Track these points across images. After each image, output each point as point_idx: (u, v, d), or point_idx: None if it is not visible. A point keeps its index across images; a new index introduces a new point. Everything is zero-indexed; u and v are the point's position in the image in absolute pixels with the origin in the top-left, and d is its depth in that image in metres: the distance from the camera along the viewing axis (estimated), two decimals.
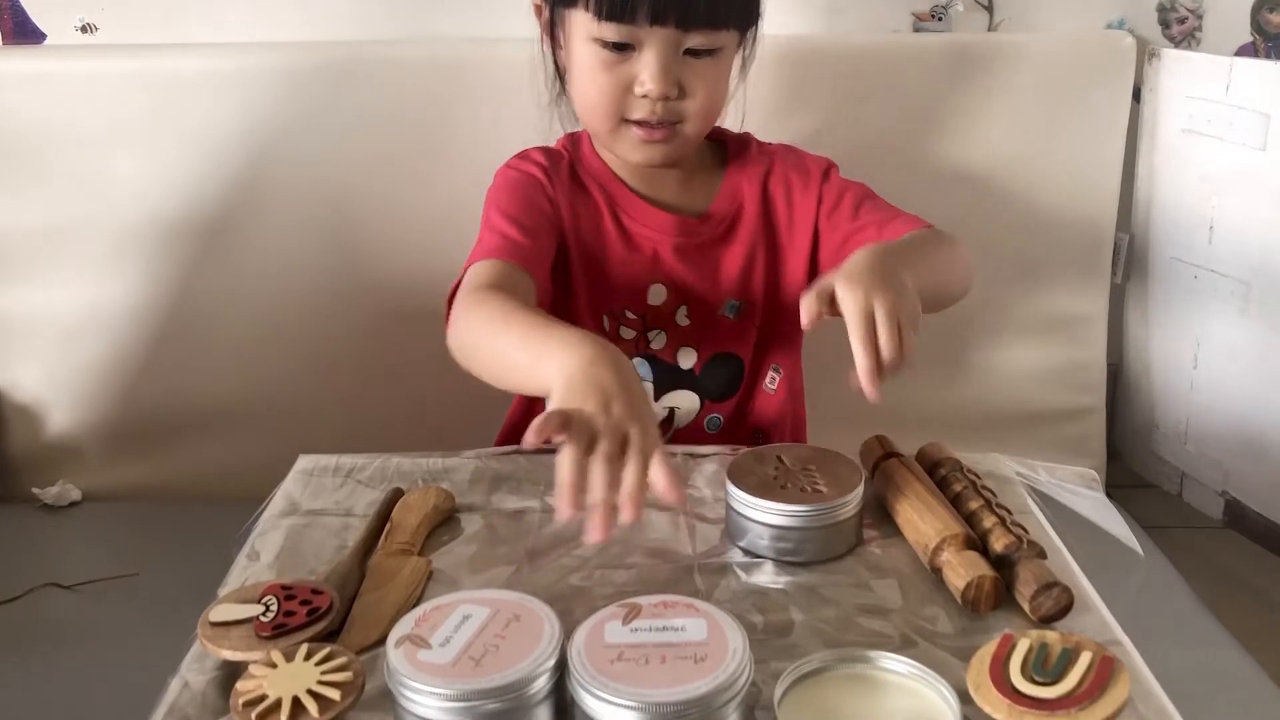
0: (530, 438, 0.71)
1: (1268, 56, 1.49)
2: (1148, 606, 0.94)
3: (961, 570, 0.77)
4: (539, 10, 1.06)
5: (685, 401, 1.12)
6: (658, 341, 1.10)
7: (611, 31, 0.97)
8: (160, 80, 1.39)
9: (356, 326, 1.43)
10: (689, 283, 1.09)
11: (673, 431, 1.12)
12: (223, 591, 0.81)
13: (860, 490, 0.83)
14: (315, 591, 0.76)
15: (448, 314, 0.97)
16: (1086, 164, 1.48)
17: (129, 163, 1.39)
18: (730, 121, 1.15)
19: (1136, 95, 1.49)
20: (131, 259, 1.41)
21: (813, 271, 1.11)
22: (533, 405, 1.16)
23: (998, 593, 0.76)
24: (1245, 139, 1.39)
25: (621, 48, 0.98)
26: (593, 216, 1.09)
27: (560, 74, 1.08)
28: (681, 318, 1.11)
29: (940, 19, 1.49)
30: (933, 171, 1.46)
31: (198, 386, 1.44)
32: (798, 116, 1.40)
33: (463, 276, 0.99)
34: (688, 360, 1.12)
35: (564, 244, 1.07)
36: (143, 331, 1.42)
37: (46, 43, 1.44)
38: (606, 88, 1.00)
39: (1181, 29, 1.51)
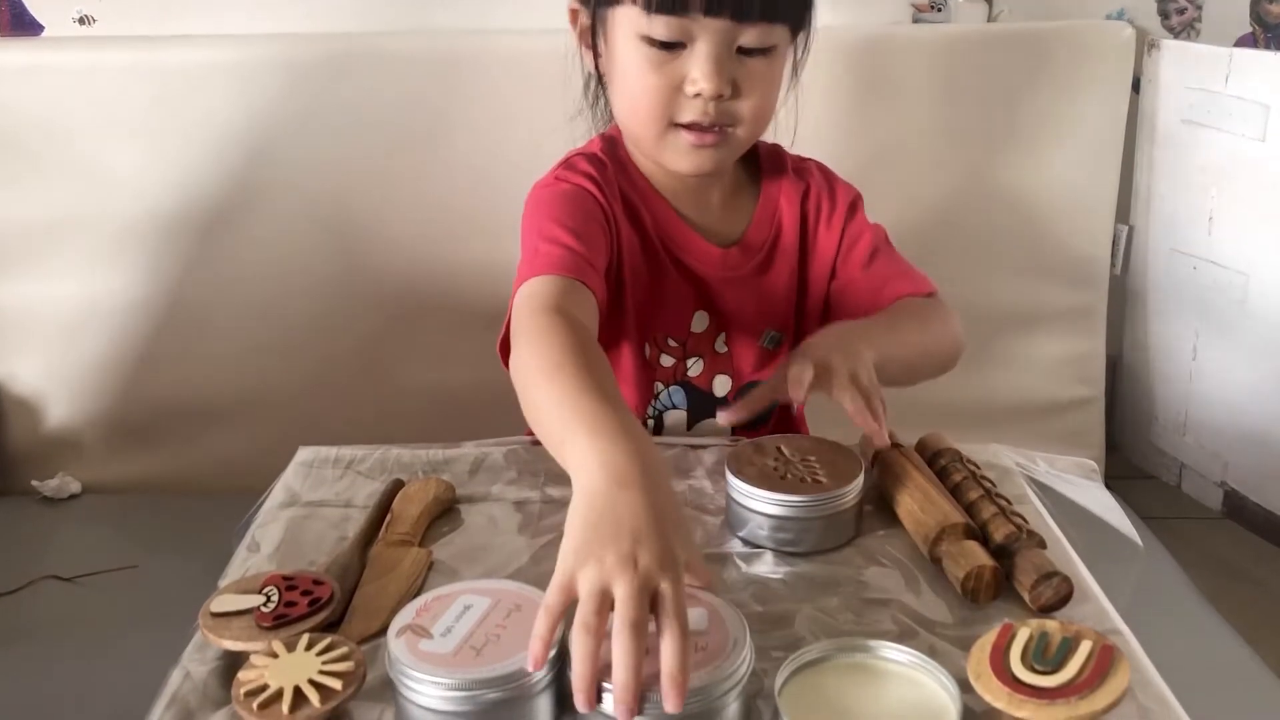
0: (536, 650, 0.61)
1: (1267, 47, 1.49)
2: (1147, 596, 0.93)
3: (961, 560, 0.77)
4: (574, 15, 1.00)
5: (717, 432, 1.08)
6: (695, 369, 1.07)
7: (661, 27, 0.90)
8: (159, 73, 1.39)
9: (355, 320, 1.43)
10: (731, 311, 1.05)
11: None
12: (223, 582, 0.81)
13: (860, 481, 0.83)
14: (316, 582, 0.75)
15: (505, 332, 0.90)
16: (1086, 155, 1.48)
17: (127, 156, 1.39)
18: (784, 127, 1.08)
19: (1136, 86, 1.49)
20: (130, 252, 1.41)
21: (826, 304, 1.08)
22: None
23: (998, 582, 0.76)
24: (1245, 130, 1.39)
25: (671, 46, 0.92)
26: (641, 238, 1.03)
27: (601, 80, 1.02)
28: (720, 345, 1.08)
29: (940, 10, 1.49)
30: (932, 163, 1.46)
31: (197, 379, 1.44)
32: (794, 109, 1.39)
33: (515, 295, 0.90)
34: (723, 388, 1.09)
35: (616, 263, 1.00)
36: (142, 324, 1.42)
37: (44, 34, 1.44)
38: (655, 88, 0.93)
39: (1181, 19, 1.51)
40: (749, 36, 0.91)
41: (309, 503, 0.91)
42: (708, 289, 1.05)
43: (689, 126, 0.94)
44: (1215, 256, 1.46)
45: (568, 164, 1.03)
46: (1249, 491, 1.49)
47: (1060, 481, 0.99)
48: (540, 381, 0.78)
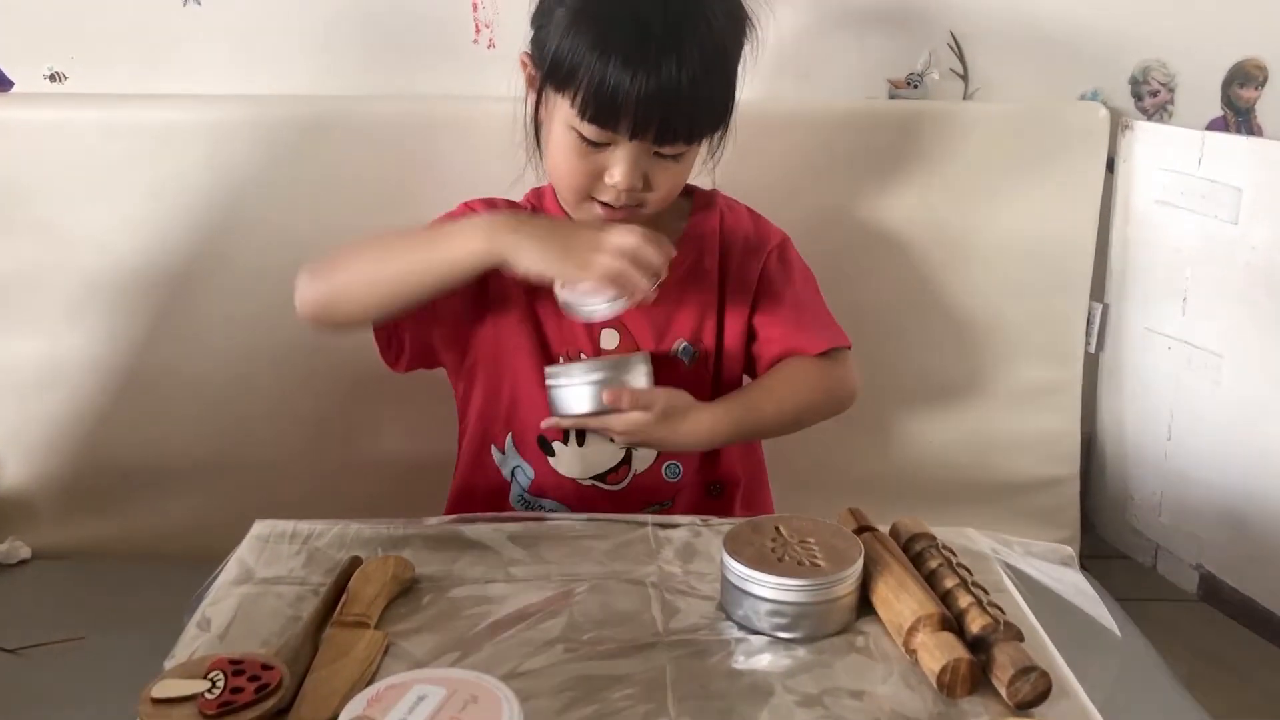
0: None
1: (1238, 131, 1.50)
2: (1126, 689, 0.91)
3: (937, 653, 0.75)
4: (525, 64, 1.08)
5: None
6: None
7: (591, 132, 1.00)
8: (129, 131, 1.37)
9: (320, 387, 1.40)
10: (641, 326, 1.11)
11: (631, 476, 1.11)
12: (169, 664, 0.78)
13: (859, 565, 0.81)
14: (265, 667, 0.72)
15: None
16: (1061, 233, 1.48)
17: (94, 214, 1.36)
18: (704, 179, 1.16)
19: (1110, 166, 1.49)
20: (93, 312, 1.38)
21: (750, 335, 1.14)
22: (477, 465, 1.14)
23: (974, 676, 0.74)
24: (1218, 212, 1.40)
25: (597, 144, 1.01)
26: None
27: (538, 129, 1.10)
28: None
29: (916, 86, 1.49)
30: (906, 239, 1.45)
31: (156, 443, 1.40)
32: (767, 181, 1.38)
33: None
34: None
35: (511, 287, 1.08)
36: (102, 385, 1.39)
37: (14, 90, 1.41)
38: (579, 171, 1.03)
39: (1154, 101, 1.52)
40: (666, 148, 1.02)
41: (263, 579, 0.88)
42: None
43: (603, 204, 1.05)
44: (1190, 337, 1.46)
45: (465, 205, 1.14)
46: (1225, 575, 1.48)
47: (1036, 567, 0.98)
48: (380, 251, 1.06)
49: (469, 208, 1.13)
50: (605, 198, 1.04)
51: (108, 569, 1.36)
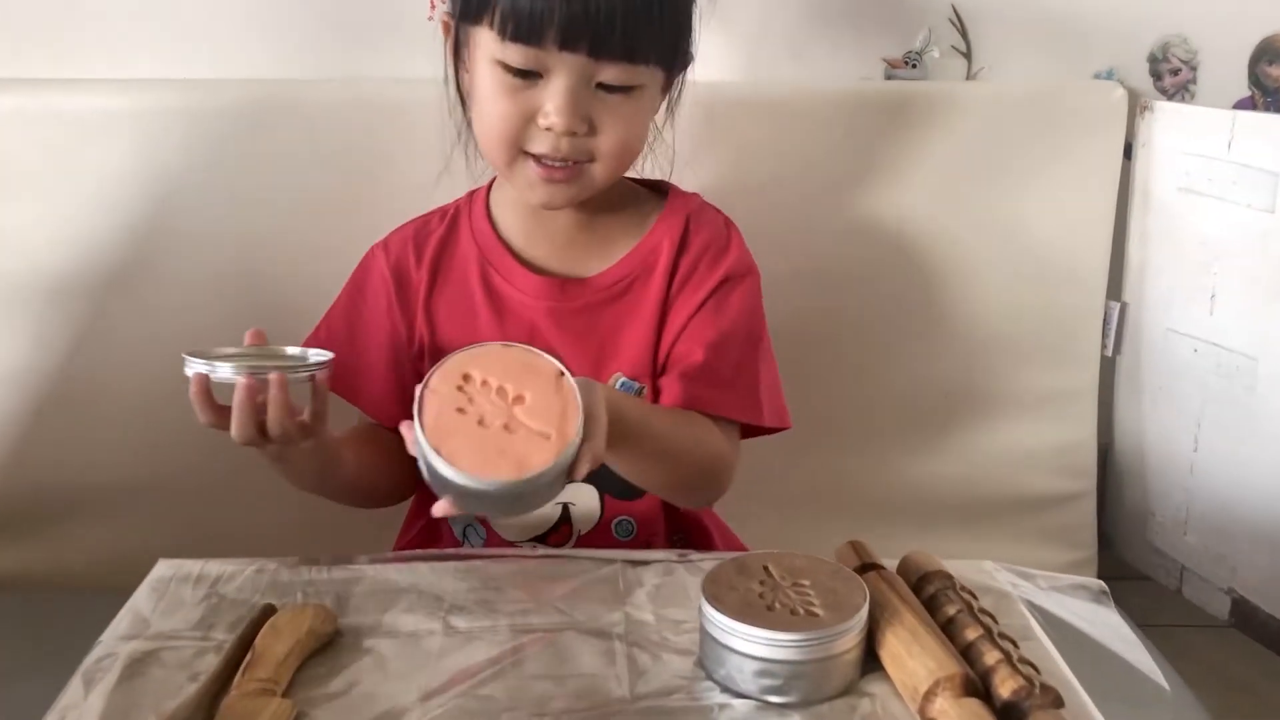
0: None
1: (1267, 111, 1.38)
2: None
3: None
4: (447, 28, 0.96)
5: (582, 498, 0.97)
6: None
7: (516, 55, 0.87)
8: (51, 119, 1.25)
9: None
10: (568, 355, 0.94)
11: (575, 536, 0.98)
12: None
13: (864, 614, 0.68)
14: None
15: None
16: (1074, 226, 1.37)
17: (13, 211, 1.25)
18: (654, 173, 1.05)
19: (1128, 151, 1.38)
20: (12, 318, 1.26)
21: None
22: (431, 523, 1.01)
23: None
24: (1251, 199, 1.27)
25: (527, 74, 0.88)
26: (462, 285, 1.00)
27: (464, 101, 0.98)
28: None
29: (914, 66, 1.37)
30: (904, 233, 1.34)
31: (79, 463, 1.28)
32: (753, 171, 1.28)
33: None
34: None
35: (425, 329, 1.00)
36: (21, 400, 1.27)
37: None
38: (507, 115, 0.89)
39: (1174, 81, 1.40)
40: (609, 74, 0.88)
41: (158, 633, 0.75)
42: (541, 331, 0.97)
43: (539, 159, 0.91)
44: (1219, 338, 1.33)
45: (384, 243, 1.05)
46: (1260, 600, 1.35)
47: (1065, 605, 0.85)
48: None
49: (385, 249, 1.04)
50: (541, 148, 0.89)
51: (24, 600, 1.25)
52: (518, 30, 0.85)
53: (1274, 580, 1.33)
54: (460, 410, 0.70)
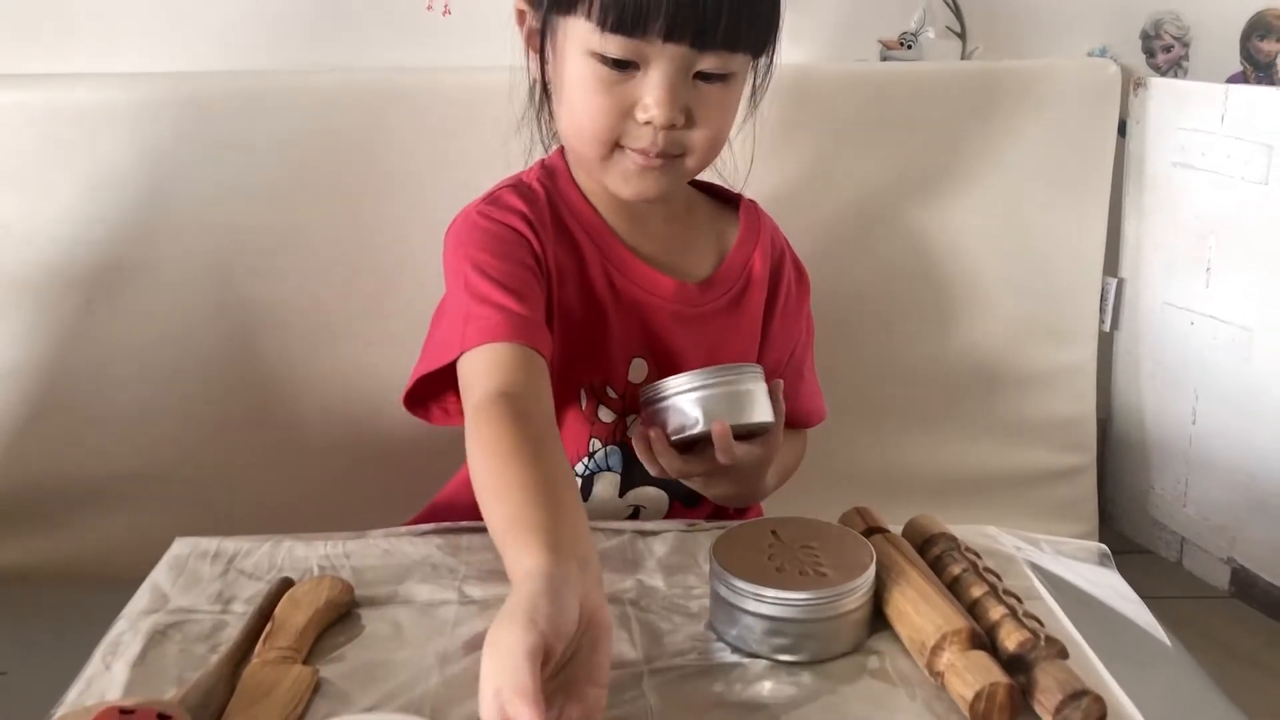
0: None
1: (1259, 85, 1.39)
2: (1179, 707, 0.80)
3: (969, 676, 0.63)
4: (521, 17, 0.92)
5: (653, 501, 0.97)
6: (636, 430, 0.92)
7: (616, 46, 0.83)
8: (47, 113, 1.25)
9: (262, 389, 1.28)
10: (676, 358, 0.94)
11: None
12: (58, 711, 0.66)
13: (871, 573, 0.70)
14: (162, 716, 0.60)
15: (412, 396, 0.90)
16: (1070, 202, 1.38)
17: (9, 204, 1.24)
18: (740, 155, 1.02)
19: (1122, 128, 1.39)
20: (10, 311, 1.25)
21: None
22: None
23: (1014, 704, 0.63)
24: (1245, 172, 1.28)
25: (624, 65, 0.84)
26: (579, 271, 0.94)
27: (546, 89, 0.93)
28: None
29: (910, 47, 1.38)
30: (899, 212, 1.35)
31: (81, 454, 1.28)
32: (750, 138, 1.28)
33: (455, 360, 0.84)
34: None
35: (549, 307, 0.92)
36: (21, 392, 1.26)
37: None
38: (604, 110, 0.86)
39: (1167, 58, 1.41)
40: (707, 63, 0.85)
41: (178, 608, 0.76)
42: (652, 329, 0.94)
43: (637, 150, 0.87)
44: (1214, 311, 1.35)
45: (493, 199, 0.93)
46: (1260, 569, 1.36)
47: (1069, 568, 0.86)
48: (492, 481, 0.73)
49: (500, 203, 0.93)
50: (640, 143, 0.86)
51: (31, 595, 1.24)
52: (620, 21, 0.82)
53: (1273, 549, 1.34)
54: None
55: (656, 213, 0.95)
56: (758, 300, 0.98)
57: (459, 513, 0.93)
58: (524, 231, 0.90)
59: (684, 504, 0.97)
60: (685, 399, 0.84)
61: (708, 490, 0.90)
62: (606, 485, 0.95)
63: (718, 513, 0.98)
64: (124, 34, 1.31)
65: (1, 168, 1.24)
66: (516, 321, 0.84)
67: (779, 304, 1.00)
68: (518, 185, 0.95)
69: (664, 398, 0.85)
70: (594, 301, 0.93)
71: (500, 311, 0.84)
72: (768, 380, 0.88)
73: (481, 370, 0.82)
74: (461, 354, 0.83)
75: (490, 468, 0.73)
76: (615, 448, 0.95)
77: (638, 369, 0.95)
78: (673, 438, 0.85)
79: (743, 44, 0.86)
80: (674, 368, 0.91)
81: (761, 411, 0.85)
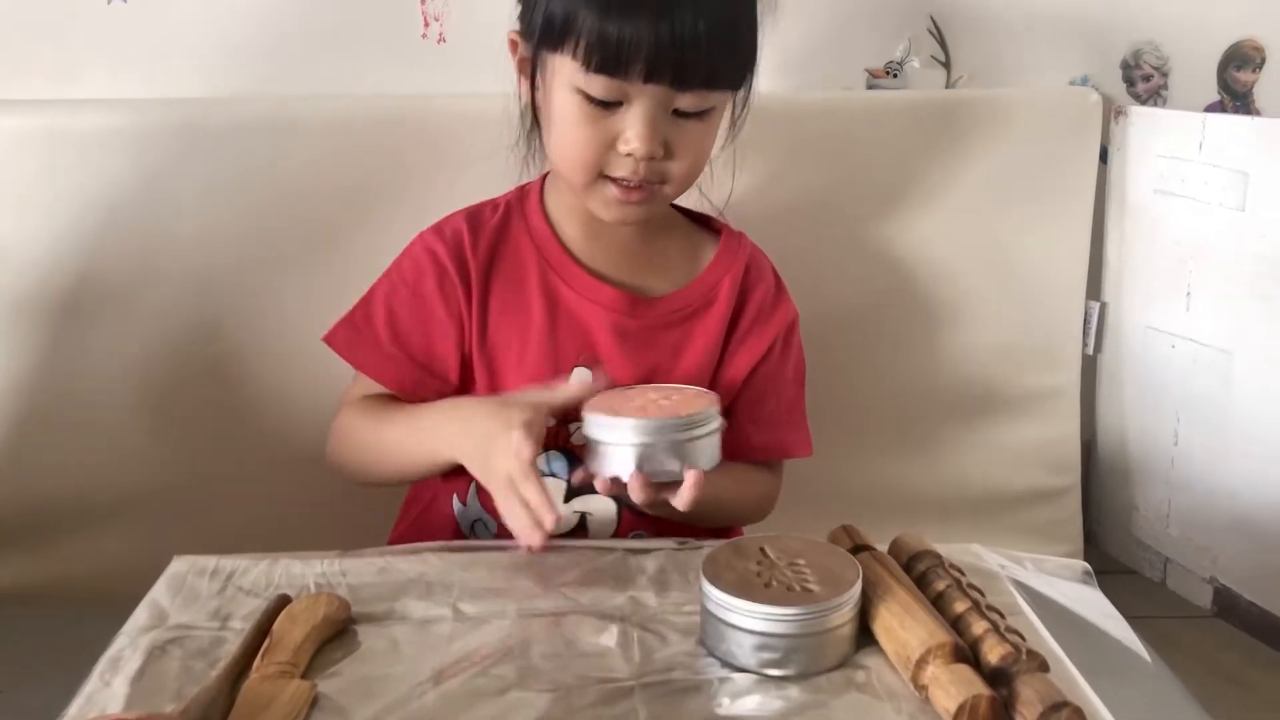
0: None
1: (1235, 114, 1.42)
2: (1157, 719, 0.82)
3: (952, 689, 0.64)
4: (514, 45, 0.97)
5: (600, 508, 0.98)
6: (579, 435, 0.96)
7: (599, 86, 0.88)
8: (48, 138, 1.26)
9: (254, 411, 1.29)
10: (620, 370, 0.97)
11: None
12: None
13: (857, 589, 0.71)
14: None
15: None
16: (1053, 228, 1.40)
17: (9, 228, 1.25)
18: (720, 183, 1.10)
19: (1103, 156, 1.41)
20: (8, 333, 1.26)
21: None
22: (430, 514, 1.03)
23: (996, 715, 0.64)
24: (1223, 199, 1.31)
25: (607, 104, 0.90)
26: (517, 280, 1.00)
27: (535, 114, 0.99)
28: None
29: (895, 75, 1.40)
30: (884, 238, 1.37)
31: (77, 474, 1.28)
32: (735, 181, 1.29)
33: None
34: None
35: (475, 320, 0.99)
36: (21, 413, 1.27)
37: None
38: (588, 142, 0.91)
39: (1147, 87, 1.44)
40: (685, 101, 0.90)
41: (177, 625, 0.77)
42: (596, 341, 0.98)
43: (617, 181, 0.93)
44: (1195, 334, 1.37)
45: (437, 228, 1.03)
46: (1241, 588, 1.38)
47: (1051, 585, 0.88)
48: (367, 433, 1.00)
49: (440, 232, 1.02)
50: (621, 172, 0.92)
51: (28, 614, 1.24)
52: (603, 63, 0.86)
53: (1254, 568, 1.36)
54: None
55: (621, 230, 0.99)
56: (716, 321, 1.01)
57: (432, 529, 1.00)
58: (442, 262, 1.00)
59: (635, 512, 0.97)
60: (608, 447, 0.86)
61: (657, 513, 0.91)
62: (551, 490, 0.95)
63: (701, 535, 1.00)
64: (122, 60, 1.32)
65: (5, 192, 1.25)
66: (400, 375, 1.00)
67: (742, 323, 1.02)
68: (476, 210, 1.03)
69: (591, 438, 0.87)
70: (536, 310, 0.98)
71: (390, 363, 1.00)
72: (724, 400, 0.92)
73: (355, 391, 1.03)
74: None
75: (363, 424, 0.99)
76: (558, 453, 0.97)
77: (579, 377, 0.97)
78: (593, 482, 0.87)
79: (720, 83, 0.91)
80: (615, 378, 0.96)
81: (671, 463, 0.84)
